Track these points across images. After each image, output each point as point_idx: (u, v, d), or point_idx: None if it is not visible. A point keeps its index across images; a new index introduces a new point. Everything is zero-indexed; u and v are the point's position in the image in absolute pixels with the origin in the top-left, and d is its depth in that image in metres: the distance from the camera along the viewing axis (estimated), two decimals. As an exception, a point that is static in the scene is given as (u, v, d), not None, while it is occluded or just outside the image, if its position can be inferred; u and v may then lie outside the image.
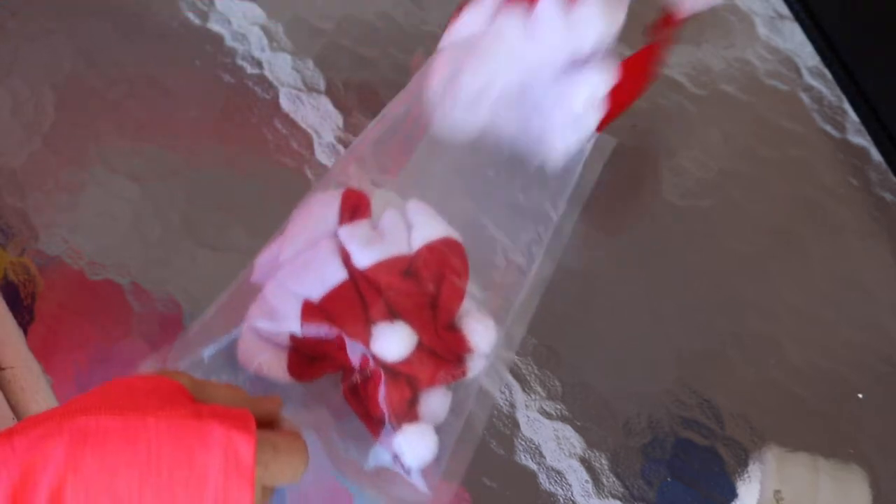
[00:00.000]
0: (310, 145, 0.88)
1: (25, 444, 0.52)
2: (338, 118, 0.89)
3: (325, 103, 0.90)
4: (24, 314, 0.78)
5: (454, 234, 0.76)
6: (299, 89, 0.90)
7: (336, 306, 0.71)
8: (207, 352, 0.73)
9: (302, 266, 0.73)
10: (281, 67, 0.91)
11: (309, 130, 0.89)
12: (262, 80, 0.90)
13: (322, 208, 0.76)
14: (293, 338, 0.72)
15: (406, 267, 0.73)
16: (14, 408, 0.73)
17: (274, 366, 0.73)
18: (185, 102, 0.89)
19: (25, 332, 0.77)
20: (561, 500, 0.75)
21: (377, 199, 0.78)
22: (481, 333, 0.74)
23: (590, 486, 0.76)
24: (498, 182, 0.82)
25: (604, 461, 0.76)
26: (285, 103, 0.90)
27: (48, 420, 0.53)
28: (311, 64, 0.91)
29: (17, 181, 0.84)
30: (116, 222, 0.83)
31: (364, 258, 0.73)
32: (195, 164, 0.86)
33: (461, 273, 0.75)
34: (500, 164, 0.81)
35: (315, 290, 0.72)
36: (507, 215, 0.81)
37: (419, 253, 0.74)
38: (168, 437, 0.53)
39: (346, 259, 0.73)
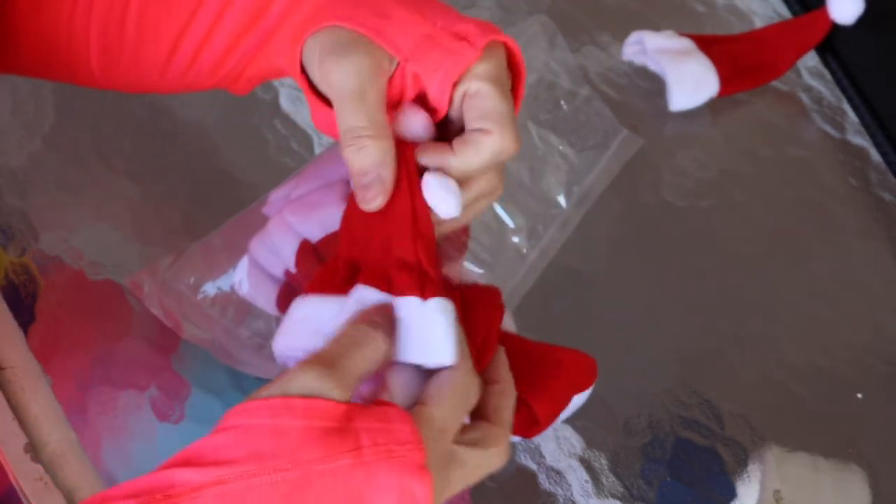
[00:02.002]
0: (310, 146, 0.88)
1: None
2: (338, 118, 0.89)
3: (325, 103, 0.90)
4: (24, 314, 0.78)
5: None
6: (299, 90, 0.90)
7: (331, 251, 0.72)
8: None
9: (308, 206, 0.73)
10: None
11: (309, 131, 0.89)
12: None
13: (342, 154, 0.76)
14: (287, 273, 0.72)
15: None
16: (14, 408, 0.73)
17: (264, 296, 0.73)
18: (185, 103, 0.89)
19: (26, 331, 0.77)
20: (561, 499, 0.75)
21: None
22: None
23: (589, 485, 0.76)
24: (507, 163, 0.82)
25: (603, 461, 0.76)
26: (285, 104, 0.90)
27: (205, 488, 0.49)
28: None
29: (18, 181, 0.84)
30: (116, 222, 0.83)
31: None
32: (195, 164, 0.86)
33: (460, 248, 0.74)
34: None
35: (315, 232, 0.72)
36: (513, 195, 0.81)
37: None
38: (338, 494, 0.50)
39: None
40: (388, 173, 0.58)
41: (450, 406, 0.54)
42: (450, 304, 0.58)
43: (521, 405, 0.68)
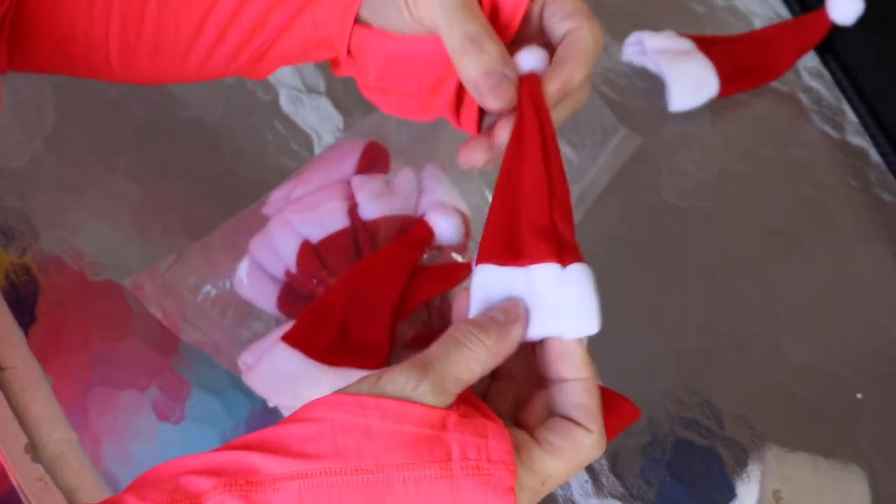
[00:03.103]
0: (310, 146, 0.88)
1: None
2: (338, 119, 0.89)
3: (326, 104, 0.90)
4: (24, 314, 0.78)
5: (463, 207, 0.76)
6: (299, 90, 0.90)
7: (331, 251, 0.72)
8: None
9: (309, 206, 0.74)
10: (281, 68, 0.91)
11: (309, 131, 0.89)
12: (262, 81, 0.90)
13: (343, 154, 0.77)
14: (288, 273, 0.73)
15: (407, 227, 0.73)
16: (14, 408, 0.73)
17: (265, 297, 0.73)
18: (185, 103, 0.89)
19: (26, 332, 0.77)
20: (560, 500, 0.75)
21: (398, 157, 0.78)
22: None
23: (589, 486, 0.76)
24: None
25: (603, 461, 0.76)
26: (285, 104, 0.90)
27: (286, 481, 0.49)
28: (311, 65, 0.91)
29: (18, 182, 0.84)
30: (116, 223, 0.83)
31: (369, 210, 0.73)
32: (195, 164, 0.86)
33: (461, 249, 0.75)
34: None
35: (315, 232, 0.72)
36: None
37: (422, 219, 0.74)
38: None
39: (352, 208, 0.74)
40: (511, 71, 0.58)
41: (564, 465, 0.52)
42: (590, 270, 0.56)
43: None
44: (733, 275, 0.85)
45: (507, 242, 0.56)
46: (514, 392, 0.55)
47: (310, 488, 0.48)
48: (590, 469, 0.76)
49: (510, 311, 0.54)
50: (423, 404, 0.50)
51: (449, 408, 0.50)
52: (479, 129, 0.63)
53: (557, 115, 0.60)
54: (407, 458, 0.49)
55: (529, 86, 0.59)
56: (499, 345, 0.53)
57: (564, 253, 0.55)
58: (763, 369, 0.81)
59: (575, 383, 0.54)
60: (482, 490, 0.49)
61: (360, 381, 0.51)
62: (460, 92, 0.62)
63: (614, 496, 0.76)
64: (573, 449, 0.52)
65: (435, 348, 0.52)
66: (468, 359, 0.52)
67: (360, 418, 0.50)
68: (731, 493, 0.76)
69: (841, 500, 0.76)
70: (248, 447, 0.50)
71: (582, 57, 0.59)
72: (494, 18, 0.60)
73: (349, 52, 0.64)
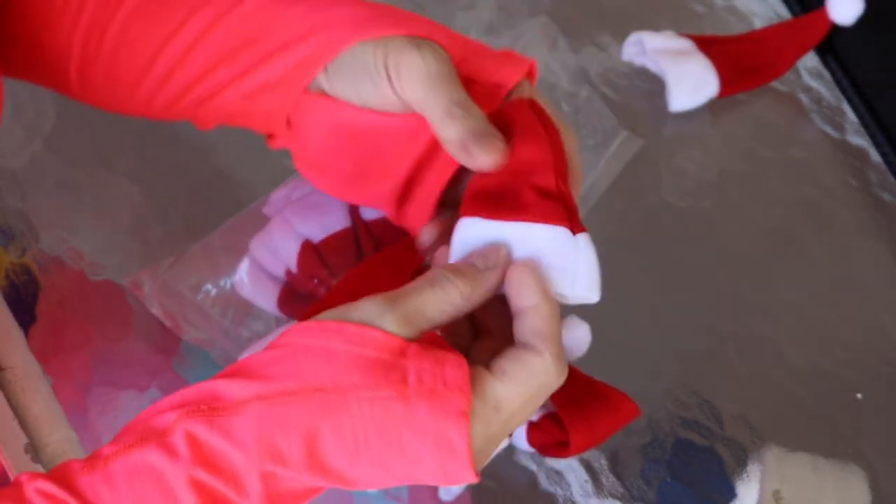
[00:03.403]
0: (310, 146, 0.88)
1: (224, 429, 0.50)
2: (338, 119, 0.89)
3: (326, 104, 0.90)
4: (24, 315, 0.78)
5: None
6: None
7: (332, 251, 0.72)
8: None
9: (309, 207, 0.73)
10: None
11: (309, 131, 0.89)
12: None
13: None
14: (289, 273, 0.72)
15: None
16: (14, 408, 0.73)
17: (265, 297, 0.73)
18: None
19: (26, 332, 0.77)
20: (560, 500, 0.75)
21: None
22: None
23: (589, 486, 0.76)
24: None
25: (603, 461, 0.76)
26: (285, 104, 0.90)
27: (246, 404, 0.50)
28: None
29: (18, 182, 0.84)
30: (116, 223, 0.83)
31: (370, 210, 0.73)
32: (195, 164, 0.86)
33: None
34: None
35: (316, 232, 0.72)
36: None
37: None
38: (374, 425, 0.50)
39: (353, 208, 0.73)
40: (497, 131, 0.58)
41: (514, 389, 0.52)
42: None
43: (555, 426, 0.69)
44: (733, 275, 0.85)
45: (501, 198, 0.57)
46: (495, 350, 0.55)
47: (268, 408, 0.50)
48: (590, 469, 0.76)
49: (489, 257, 0.55)
50: (384, 331, 0.51)
51: (411, 340, 0.52)
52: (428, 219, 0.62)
53: None
54: (364, 379, 0.50)
55: (526, 106, 0.59)
56: (473, 289, 0.54)
57: (573, 220, 0.56)
58: (763, 369, 0.81)
59: (531, 310, 0.54)
60: (435, 412, 0.50)
61: (327, 311, 0.53)
62: (408, 186, 0.62)
63: (614, 496, 0.76)
64: (523, 372, 0.52)
65: (408, 285, 0.53)
66: (439, 299, 0.53)
67: (321, 341, 0.51)
68: (731, 493, 0.76)
69: (841, 500, 0.76)
70: (218, 377, 0.52)
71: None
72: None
73: (289, 122, 0.63)
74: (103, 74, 0.65)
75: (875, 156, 0.93)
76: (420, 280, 0.54)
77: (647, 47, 0.92)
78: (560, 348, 0.54)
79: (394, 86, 0.59)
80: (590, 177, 0.85)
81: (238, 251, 0.75)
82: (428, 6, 0.94)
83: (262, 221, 0.75)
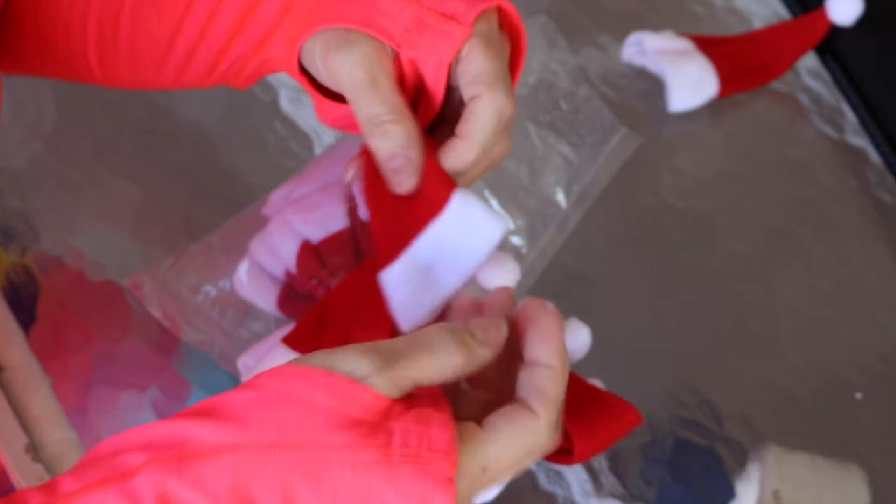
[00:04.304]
0: (310, 147, 0.88)
1: (194, 480, 0.47)
2: (338, 119, 0.89)
3: (325, 104, 0.90)
4: (25, 315, 0.78)
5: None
6: (300, 90, 0.90)
7: (331, 252, 0.72)
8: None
9: (309, 207, 0.73)
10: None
11: (309, 132, 0.89)
12: (262, 81, 0.90)
13: (343, 154, 0.77)
14: (288, 274, 0.72)
15: None
16: (15, 408, 0.73)
17: (265, 297, 0.73)
18: (185, 104, 0.89)
19: (26, 332, 0.77)
20: (560, 499, 0.75)
21: None
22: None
23: (589, 485, 0.76)
24: (507, 163, 0.82)
25: (603, 461, 0.76)
26: (285, 105, 0.90)
27: (219, 453, 0.47)
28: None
29: (19, 182, 0.84)
30: (116, 223, 0.83)
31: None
32: (195, 165, 0.86)
33: None
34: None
35: (315, 233, 0.72)
36: (512, 196, 0.81)
37: None
38: (355, 489, 0.47)
39: (352, 208, 0.73)
40: (415, 153, 0.57)
41: (504, 449, 0.50)
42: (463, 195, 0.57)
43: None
44: (733, 275, 0.85)
45: (400, 232, 0.58)
46: (487, 402, 0.53)
47: (244, 459, 0.47)
48: (590, 469, 0.76)
49: (489, 332, 0.53)
50: (373, 390, 0.48)
51: (398, 399, 0.49)
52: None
53: (472, 176, 0.59)
54: (347, 440, 0.47)
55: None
56: (469, 363, 0.51)
57: (433, 206, 0.57)
58: (763, 369, 0.81)
59: (541, 368, 0.52)
60: (421, 479, 0.47)
61: (313, 353, 0.50)
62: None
63: (614, 496, 0.76)
64: (516, 431, 0.50)
65: (403, 344, 0.51)
66: (433, 367, 0.50)
67: (305, 392, 0.48)
68: (731, 493, 0.76)
69: (841, 500, 0.77)
70: (189, 415, 0.49)
71: (474, 134, 0.57)
72: (421, 88, 0.59)
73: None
74: (125, 58, 0.65)
75: (874, 156, 0.93)
76: (418, 341, 0.51)
77: (646, 47, 0.92)
78: (558, 415, 0.52)
79: (326, 70, 0.58)
80: (589, 174, 0.85)
81: (238, 251, 0.75)
82: (428, 6, 0.94)
83: (261, 222, 0.75)
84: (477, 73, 0.56)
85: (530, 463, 0.52)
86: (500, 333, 0.53)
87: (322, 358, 0.49)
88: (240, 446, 0.47)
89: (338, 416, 0.48)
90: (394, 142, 0.57)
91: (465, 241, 0.56)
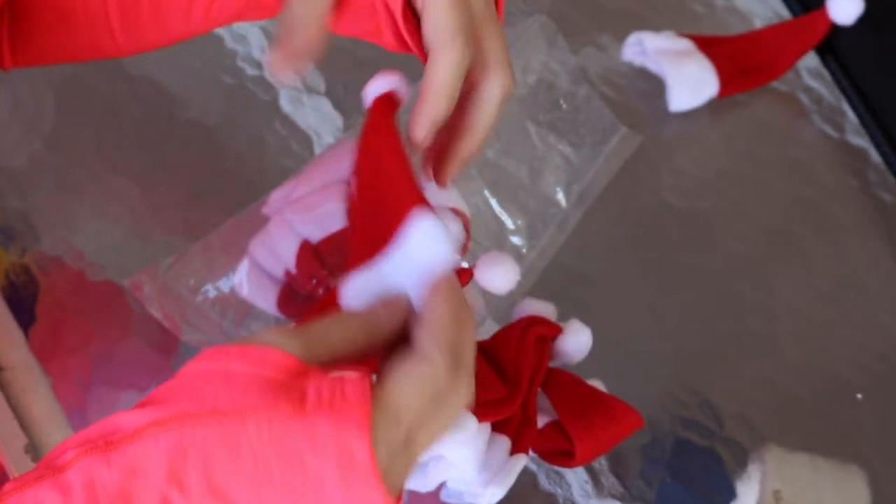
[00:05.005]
0: (310, 147, 0.88)
1: (121, 461, 0.48)
2: (338, 119, 0.89)
3: (326, 105, 0.90)
4: (24, 315, 0.78)
5: (463, 207, 0.76)
6: (299, 91, 0.90)
7: (331, 251, 0.72)
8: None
9: (308, 206, 0.73)
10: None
11: (309, 132, 0.89)
12: (261, 81, 0.90)
13: (343, 154, 0.76)
14: (288, 273, 0.72)
15: None
16: (14, 408, 0.73)
17: (265, 297, 0.73)
18: (185, 104, 0.89)
19: (26, 332, 0.77)
20: (560, 500, 0.75)
21: None
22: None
23: (589, 486, 0.76)
24: (507, 163, 0.82)
25: (603, 461, 0.76)
26: (285, 105, 0.90)
27: (142, 431, 0.49)
28: (310, 65, 0.91)
29: (18, 182, 0.84)
30: (116, 222, 0.83)
31: None
32: (195, 164, 0.86)
33: (461, 250, 0.75)
34: (510, 143, 0.82)
35: (315, 233, 0.72)
36: (512, 195, 0.81)
37: None
38: (273, 446, 0.48)
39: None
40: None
41: (413, 400, 0.50)
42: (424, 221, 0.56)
43: (559, 434, 0.69)
44: (733, 275, 0.85)
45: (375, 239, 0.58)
46: None
47: (164, 431, 0.48)
48: (590, 469, 0.76)
49: (394, 306, 0.54)
50: (284, 351, 0.50)
51: (312, 365, 0.50)
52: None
53: (471, 142, 0.59)
54: (262, 399, 0.48)
55: (378, 111, 0.59)
56: (376, 331, 0.53)
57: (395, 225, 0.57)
58: (763, 369, 0.81)
59: (426, 311, 0.53)
60: (335, 426, 0.48)
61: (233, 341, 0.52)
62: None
63: (614, 496, 0.76)
64: (413, 378, 0.50)
65: (316, 318, 0.53)
66: (343, 330, 0.52)
67: (222, 365, 0.50)
68: (731, 494, 0.76)
69: (841, 501, 0.77)
70: (123, 411, 0.50)
71: (437, 91, 0.57)
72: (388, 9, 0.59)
73: None
74: (149, 12, 0.65)
75: (875, 156, 0.93)
76: (331, 315, 0.53)
77: (647, 47, 0.92)
78: (455, 358, 0.51)
79: None
80: (589, 174, 0.85)
81: (238, 251, 0.75)
82: (428, 6, 0.94)
83: (261, 222, 0.75)
84: (440, 25, 0.56)
85: (442, 416, 0.51)
86: (399, 301, 0.54)
87: (240, 340, 0.51)
88: (159, 422, 0.48)
89: (252, 378, 0.49)
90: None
91: (420, 261, 0.56)
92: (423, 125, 0.58)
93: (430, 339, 0.51)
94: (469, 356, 0.52)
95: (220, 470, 0.48)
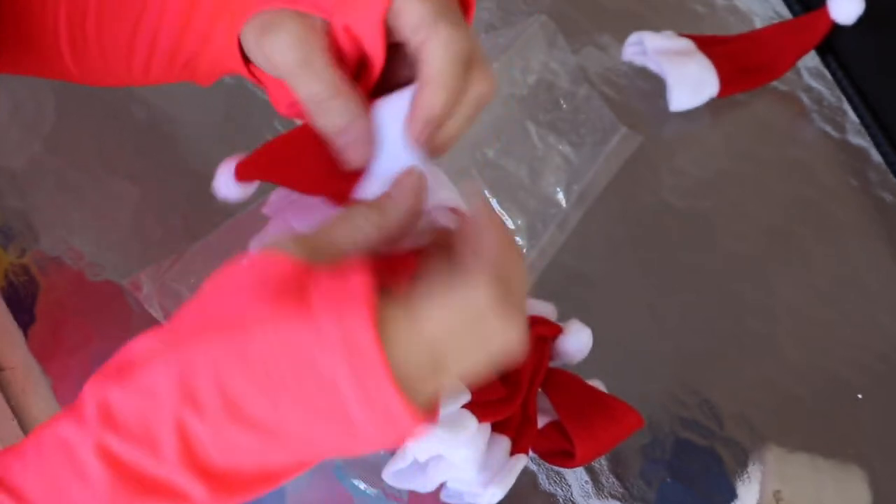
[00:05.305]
0: (310, 146, 0.88)
1: (133, 385, 0.48)
2: (338, 119, 0.89)
3: (325, 104, 0.90)
4: (24, 315, 0.78)
5: (463, 207, 0.76)
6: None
7: None
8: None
9: (308, 207, 0.73)
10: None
11: (309, 131, 0.89)
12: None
13: None
14: None
15: None
16: (14, 408, 0.73)
17: None
18: (184, 104, 0.89)
19: (26, 332, 0.77)
20: (560, 500, 0.75)
21: None
22: None
23: (589, 486, 0.76)
24: (507, 163, 0.82)
25: (603, 461, 0.76)
26: (285, 104, 0.90)
27: (153, 354, 0.48)
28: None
29: (18, 183, 0.84)
30: (116, 223, 0.83)
31: None
32: (195, 165, 0.86)
33: None
34: (510, 143, 0.82)
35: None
36: (512, 195, 0.81)
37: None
38: (281, 350, 0.46)
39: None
40: (362, 125, 0.56)
41: (440, 310, 0.47)
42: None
43: (559, 434, 0.69)
44: (733, 275, 0.85)
45: None
46: None
47: (174, 352, 0.48)
48: (590, 469, 0.76)
49: (403, 183, 0.54)
50: (288, 255, 0.48)
51: (319, 264, 0.49)
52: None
53: (457, 125, 0.56)
54: (268, 306, 0.47)
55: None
56: (384, 216, 0.52)
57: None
58: (763, 369, 0.81)
59: (468, 223, 0.51)
60: (338, 317, 0.46)
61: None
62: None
63: (614, 496, 0.76)
64: (445, 288, 0.47)
65: (322, 221, 0.52)
66: (351, 227, 0.51)
67: (230, 278, 0.49)
68: (731, 494, 0.76)
69: (841, 500, 0.76)
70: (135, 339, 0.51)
71: (435, 77, 0.54)
72: (363, 53, 0.57)
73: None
74: (95, 54, 0.65)
75: (875, 156, 0.93)
76: (333, 215, 0.52)
77: (647, 47, 0.92)
78: (507, 291, 0.47)
79: (264, 55, 0.57)
80: (589, 174, 0.85)
81: (238, 251, 0.75)
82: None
83: (261, 221, 0.75)
84: (416, 19, 0.54)
85: (490, 346, 0.48)
86: (412, 175, 0.54)
87: (252, 254, 0.50)
88: (169, 343, 0.48)
89: (258, 288, 0.48)
90: (336, 118, 0.56)
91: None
92: (427, 111, 0.55)
93: (479, 264, 0.48)
94: (522, 297, 0.49)
95: (232, 384, 0.47)
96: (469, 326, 0.47)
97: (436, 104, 0.54)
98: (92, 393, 0.49)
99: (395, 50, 0.56)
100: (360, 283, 0.47)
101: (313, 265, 0.49)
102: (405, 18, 0.54)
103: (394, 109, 0.56)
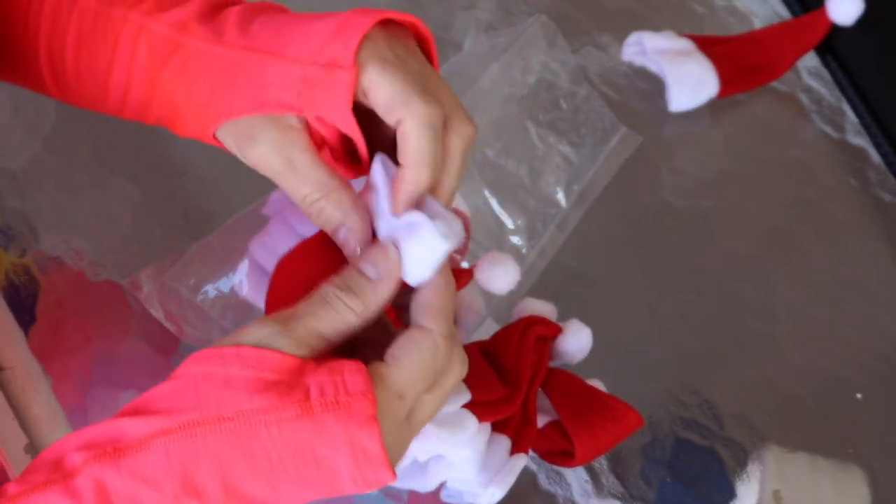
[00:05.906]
0: (310, 146, 0.88)
1: (131, 469, 0.49)
2: (338, 119, 0.89)
3: (325, 104, 0.90)
4: (24, 315, 0.78)
5: (463, 207, 0.76)
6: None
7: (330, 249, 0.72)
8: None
9: None
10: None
11: (309, 131, 0.89)
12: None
13: None
14: None
15: None
16: (14, 408, 0.73)
17: (264, 296, 0.73)
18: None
19: (26, 332, 0.77)
20: (560, 500, 0.75)
21: None
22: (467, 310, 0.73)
23: (589, 486, 0.76)
24: (507, 163, 0.82)
25: (603, 461, 0.76)
26: (285, 104, 0.90)
27: (151, 440, 0.50)
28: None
29: (18, 183, 0.84)
30: (116, 223, 0.83)
31: None
32: (195, 164, 0.86)
33: (461, 250, 0.75)
34: (510, 143, 0.82)
35: (314, 232, 0.72)
36: (512, 195, 0.81)
37: None
38: (285, 446, 0.50)
39: None
40: (355, 221, 0.57)
41: (409, 371, 0.52)
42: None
43: (559, 434, 0.69)
44: (733, 275, 0.85)
45: None
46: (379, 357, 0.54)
47: (175, 442, 0.49)
48: (590, 469, 0.76)
49: (379, 262, 0.54)
50: (281, 352, 0.51)
51: (307, 359, 0.51)
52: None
53: (450, 181, 0.57)
54: (267, 402, 0.50)
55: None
56: (366, 306, 0.54)
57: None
58: (763, 369, 0.81)
59: (423, 290, 0.54)
60: (345, 422, 0.50)
61: (222, 339, 0.52)
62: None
63: (614, 496, 0.76)
64: (414, 351, 0.52)
65: (302, 305, 0.53)
66: (333, 319, 0.53)
67: (220, 368, 0.51)
68: (731, 494, 0.76)
69: (841, 500, 0.76)
70: (122, 414, 0.51)
71: (417, 158, 0.55)
72: (347, 143, 0.59)
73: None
74: (73, 83, 0.65)
75: (875, 156, 0.93)
76: (314, 299, 0.53)
77: (647, 47, 0.92)
78: (451, 327, 0.53)
79: (249, 161, 0.60)
80: (589, 174, 0.85)
81: (237, 252, 0.75)
82: (427, 6, 0.94)
83: (261, 222, 0.75)
84: (386, 99, 0.55)
85: (448, 384, 0.54)
86: (388, 258, 0.55)
87: (229, 339, 0.52)
88: (167, 431, 0.50)
89: (253, 382, 0.50)
90: (330, 217, 0.57)
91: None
92: (412, 191, 0.56)
93: (426, 309, 0.54)
94: (455, 327, 0.55)
95: (235, 473, 0.50)
96: (438, 383, 0.54)
97: (422, 181, 0.56)
98: (87, 470, 0.49)
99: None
100: (358, 383, 0.50)
101: (303, 359, 0.51)
102: (375, 99, 0.55)
103: (387, 176, 0.58)
